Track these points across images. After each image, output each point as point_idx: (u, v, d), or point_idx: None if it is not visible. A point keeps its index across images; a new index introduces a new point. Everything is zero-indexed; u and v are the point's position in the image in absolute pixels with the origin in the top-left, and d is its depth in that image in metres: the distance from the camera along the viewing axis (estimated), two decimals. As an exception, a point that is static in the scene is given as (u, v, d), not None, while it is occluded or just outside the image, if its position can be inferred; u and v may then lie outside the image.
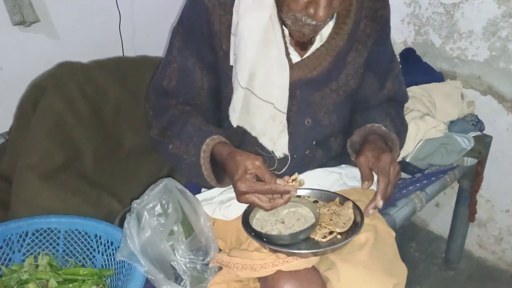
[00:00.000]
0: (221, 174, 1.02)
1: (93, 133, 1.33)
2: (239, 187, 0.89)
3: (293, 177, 0.92)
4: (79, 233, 1.06)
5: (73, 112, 1.30)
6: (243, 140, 1.11)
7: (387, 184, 0.94)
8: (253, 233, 0.93)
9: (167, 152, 1.07)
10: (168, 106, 1.09)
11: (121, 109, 1.40)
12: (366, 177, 0.97)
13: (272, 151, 1.09)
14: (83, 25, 1.55)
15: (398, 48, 1.80)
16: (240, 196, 0.90)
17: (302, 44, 1.05)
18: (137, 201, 0.91)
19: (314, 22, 0.93)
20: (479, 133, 1.52)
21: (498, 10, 1.52)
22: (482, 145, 1.48)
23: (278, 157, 1.10)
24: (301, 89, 1.06)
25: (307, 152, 1.11)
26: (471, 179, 1.61)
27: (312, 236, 0.93)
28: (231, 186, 1.09)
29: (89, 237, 1.05)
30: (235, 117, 1.06)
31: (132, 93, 1.41)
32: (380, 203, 0.93)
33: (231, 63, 1.04)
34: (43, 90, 1.26)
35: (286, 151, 1.09)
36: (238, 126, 1.08)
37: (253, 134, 1.08)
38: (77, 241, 1.06)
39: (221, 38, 1.03)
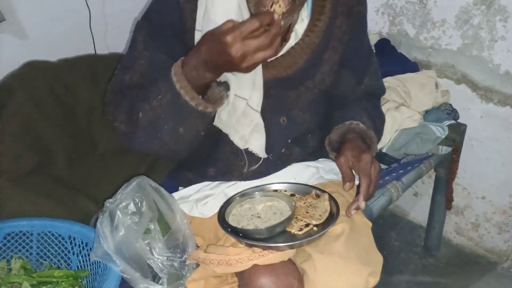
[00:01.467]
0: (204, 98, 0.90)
1: (66, 135, 1.31)
2: (236, 53, 0.78)
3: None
4: (53, 235, 1.04)
5: (43, 113, 1.26)
6: (219, 139, 1.09)
7: (369, 185, 0.94)
8: (229, 229, 0.93)
9: (140, 130, 0.93)
10: (129, 93, 0.98)
11: (94, 109, 1.38)
12: (347, 178, 0.97)
13: (248, 149, 1.07)
14: (52, 24, 1.51)
15: (373, 39, 1.81)
16: (243, 64, 0.80)
17: None
18: (110, 200, 0.90)
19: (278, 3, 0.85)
20: (453, 121, 1.54)
21: (470, -2, 1.54)
22: (457, 133, 1.50)
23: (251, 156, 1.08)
24: (276, 88, 1.04)
25: (283, 150, 1.10)
26: (447, 168, 1.64)
27: (288, 229, 0.93)
28: (206, 183, 1.08)
29: (63, 239, 1.03)
30: (225, 112, 1.00)
31: (105, 92, 1.39)
32: (362, 204, 0.93)
33: None
34: (10, 92, 1.23)
35: (263, 152, 1.06)
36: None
37: (225, 131, 1.04)
38: (51, 243, 1.04)
39: (193, 34, 0.99)
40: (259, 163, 1.08)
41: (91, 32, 1.61)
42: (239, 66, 0.80)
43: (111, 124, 1.01)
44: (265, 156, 1.07)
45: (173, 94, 0.87)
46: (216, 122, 1.03)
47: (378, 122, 1.16)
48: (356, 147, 0.99)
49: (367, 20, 1.14)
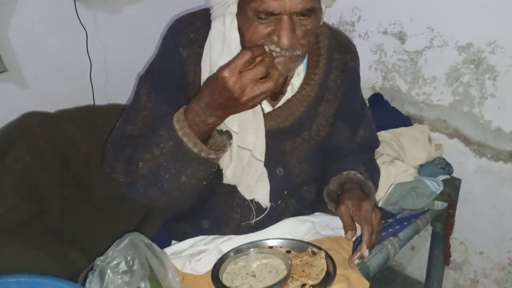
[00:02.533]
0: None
1: (62, 185, 1.30)
2: (233, 87, 0.80)
3: None
4: (41, 292, 1.00)
5: (41, 163, 1.27)
6: (213, 190, 1.09)
7: (372, 233, 0.93)
8: (223, 288, 0.90)
9: (140, 180, 0.94)
10: (127, 144, 1.00)
11: (91, 159, 1.38)
12: (348, 227, 0.96)
13: (249, 201, 1.08)
14: (53, 74, 1.54)
15: (366, 93, 1.85)
16: (243, 98, 0.81)
17: (273, 95, 1.06)
18: (101, 258, 0.87)
19: (279, 49, 0.89)
20: (447, 176, 1.54)
21: (459, 57, 1.59)
22: (452, 188, 1.50)
23: (254, 208, 1.08)
24: (273, 139, 1.06)
25: (279, 202, 1.10)
26: (444, 222, 1.63)
27: (284, 290, 0.91)
28: (200, 237, 1.06)
29: (50, 296, 1.00)
30: (231, 167, 1.02)
31: (103, 142, 1.39)
32: (366, 252, 0.93)
33: None
34: (10, 141, 1.23)
35: (267, 201, 1.07)
36: (222, 174, 1.05)
37: (232, 183, 1.06)
38: (38, 301, 1.00)
39: (195, 88, 1.01)
40: (258, 215, 1.07)
41: (91, 82, 1.64)
42: (240, 100, 0.82)
43: (109, 176, 1.01)
44: (268, 205, 1.08)
45: (175, 142, 0.88)
46: (225, 180, 1.05)
47: (374, 173, 1.18)
48: (356, 196, 1.00)
49: (360, 75, 1.18)
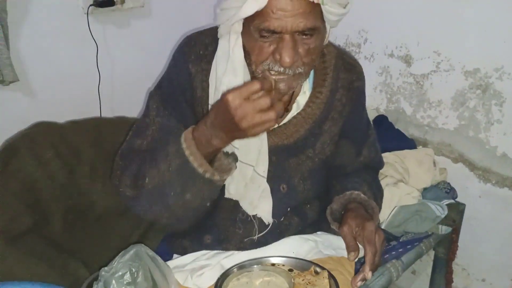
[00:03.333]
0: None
1: (65, 195, 1.30)
2: (235, 113, 0.81)
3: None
4: (40, 302, 0.99)
5: (45, 173, 1.27)
6: (216, 205, 1.09)
7: (375, 254, 0.93)
8: (225, 304, 0.90)
9: (145, 196, 0.96)
10: (135, 158, 1.02)
11: (95, 171, 1.38)
12: (351, 248, 0.97)
13: (252, 217, 1.08)
14: (62, 85, 1.56)
15: (371, 115, 1.86)
16: (242, 125, 0.82)
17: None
18: (106, 268, 0.87)
19: (282, 69, 0.92)
20: (452, 201, 1.54)
21: (466, 82, 1.60)
22: (456, 213, 1.50)
23: (256, 224, 1.08)
24: (277, 155, 1.07)
25: (282, 219, 1.10)
26: (447, 247, 1.61)
27: (286, 308, 0.90)
28: (202, 252, 1.06)
29: (51, 306, 0.99)
30: (233, 183, 1.04)
31: (108, 154, 1.39)
32: (369, 274, 0.92)
33: None
34: (15, 150, 1.24)
35: (270, 217, 1.08)
36: (224, 189, 1.06)
37: (235, 198, 1.07)
38: (38, 311, 0.99)
39: (202, 104, 1.04)
40: (261, 232, 1.07)
41: (99, 94, 1.65)
42: (240, 125, 0.83)
43: (116, 189, 1.03)
44: (271, 221, 1.08)
45: (181, 160, 0.89)
46: (227, 194, 1.06)
47: (377, 194, 1.18)
48: (359, 216, 1.00)
49: (365, 95, 1.19)
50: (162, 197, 0.93)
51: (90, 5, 1.53)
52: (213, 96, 1.01)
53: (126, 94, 1.76)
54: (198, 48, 1.04)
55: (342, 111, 1.12)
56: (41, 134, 1.31)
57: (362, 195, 1.08)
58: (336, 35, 1.92)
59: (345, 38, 1.90)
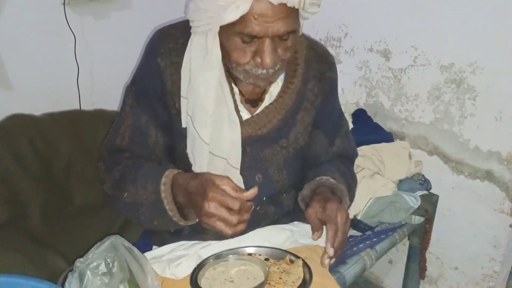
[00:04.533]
0: (183, 210, 1.00)
1: (42, 189, 1.30)
2: (206, 207, 0.87)
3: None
4: (17, 293, 0.99)
5: (21, 166, 1.26)
6: None
7: (335, 231, 0.94)
8: (201, 293, 0.91)
9: (122, 204, 1.04)
10: (121, 159, 1.08)
11: (72, 164, 1.38)
12: (315, 228, 0.99)
13: None
14: (39, 77, 1.55)
15: (350, 108, 1.89)
16: (204, 218, 0.88)
17: (252, 102, 1.09)
18: (81, 259, 0.88)
19: (265, 71, 0.96)
20: (425, 192, 1.58)
21: (441, 76, 1.64)
22: (429, 203, 1.54)
23: None
24: (252, 146, 1.09)
25: (258, 208, 1.12)
26: (421, 237, 1.66)
27: (261, 296, 0.92)
28: (180, 243, 1.08)
29: (28, 298, 0.99)
30: None
31: (86, 147, 1.40)
32: (330, 250, 0.94)
33: (184, 125, 1.06)
34: (-10, 143, 1.23)
35: None
36: None
37: None
38: (15, 302, 1.00)
39: (173, 97, 1.06)
40: None
41: (78, 87, 1.64)
42: (201, 216, 0.89)
43: (100, 181, 1.11)
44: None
45: (157, 198, 0.98)
46: None
47: (351, 181, 1.20)
48: (323, 198, 1.01)
49: (337, 85, 1.21)
50: (135, 213, 1.03)
51: (68, -4, 1.52)
52: (186, 90, 1.03)
53: (106, 87, 1.75)
54: (168, 41, 1.06)
55: (315, 101, 1.14)
56: (17, 126, 1.30)
57: (332, 180, 1.09)
58: (317, 29, 1.94)
59: (326, 32, 1.92)
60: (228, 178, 0.91)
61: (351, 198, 1.19)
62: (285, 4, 0.89)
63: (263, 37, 0.92)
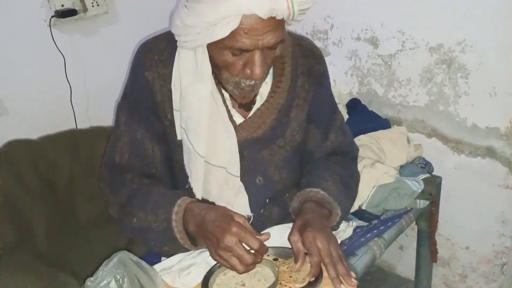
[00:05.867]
0: (193, 237, 1.01)
1: (46, 208, 1.31)
2: (226, 241, 0.87)
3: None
4: (31, 316, 1.00)
5: (24, 188, 1.27)
6: None
7: (318, 263, 0.93)
8: (213, 299, 0.92)
9: (130, 228, 1.05)
10: (124, 181, 1.08)
11: (74, 181, 1.39)
12: (296, 257, 0.96)
13: None
14: (33, 101, 1.55)
15: (344, 99, 1.89)
16: (221, 251, 0.89)
17: (245, 106, 1.09)
18: (91, 279, 0.88)
19: (253, 82, 0.98)
20: (428, 175, 1.58)
21: (431, 58, 1.63)
22: (433, 186, 1.54)
23: None
24: (249, 149, 1.09)
25: (262, 211, 1.12)
26: (428, 220, 1.66)
27: (273, 296, 0.92)
28: (191, 251, 1.08)
29: (42, 321, 1.00)
30: (199, 188, 1.08)
31: (85, 163, 1.41)
32: (336, 283, 0.90)
33: (179, 137, 1.07)
34: (-8, 170, 1.24)
35: (248, 211, 1.10)
36: (192, 192, 1.09)
37: (210, 199, 1.09)
38: (29, 325, 1.00)
39: (165, 108, 1.06)
40: None
41: (72, 106, 1.65)
42: (217, 250, 0.90)
43: (104, 198, 1.12)
44: (250, 214, 1.10)
45: (167, 226, 0.99)
46: (204, 196, 1.09)
47: (350, 183, 1.17)
48: (304, 223, 0.99)
49: (328, 78, 1.21)
50: (144, 237, 1.04)
51: (52, 17, 1.52)
52: (178, 103, 1.04)
53: (100, 103, 1.75)
54: (153, 54, 1.07)
55: (306, 97, 1.14)
56: (17, 151, 1.31)
57: (321, 192, 1.07)
58: (303, 24, 1.94)
59: (312, 25, 1.92)
60: (244, 217, 0.93)
61: (352, 200, 1.18)
62: (274, 17, 0.90)
63: (253, 50, 0.93)
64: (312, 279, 0.92)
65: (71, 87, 1.62)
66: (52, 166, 1.36)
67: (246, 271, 0.90)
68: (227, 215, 0.92)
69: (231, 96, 1.07)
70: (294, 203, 1.10)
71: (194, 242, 1.01)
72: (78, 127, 1.65)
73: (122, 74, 1.72)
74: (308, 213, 1.02)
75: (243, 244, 0.90)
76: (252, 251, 0.91)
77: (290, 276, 0.96)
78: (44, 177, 1.33)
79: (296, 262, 0.96)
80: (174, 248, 1.03)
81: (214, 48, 0.96)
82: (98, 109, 1.75)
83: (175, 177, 1.14)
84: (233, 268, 0.90)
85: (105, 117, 1.74)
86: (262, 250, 0.90)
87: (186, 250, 1.03)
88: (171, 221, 0.98)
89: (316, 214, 1.02)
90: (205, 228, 0.93)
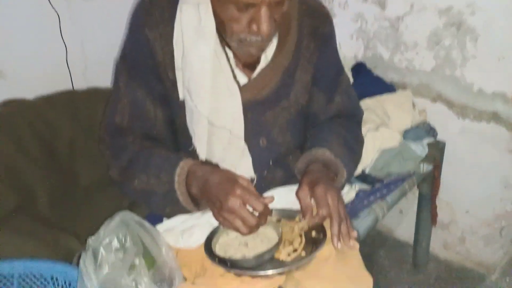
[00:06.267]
0: (196, 199, 0.99)
1: (47, 172, 1.29)
2: (230, 203, 0.86)
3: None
4: (34, 276, 1.00)
5: (24, 152, 1.25)
6: None
7: (324, 217, 0.93)
8: (217, 259, 0.92)
9: (132, 190, 1.04)
10: (125, 144, 1.05)
11: (75, 145, 1.37)
12: (304, 211, 0.96)
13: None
14: (27, 61, 1.51)
15: (349, 63, 1.85)
16: (224, 213, 0.88)
17: (249, 66, 1.06)
18: (93, 237, 0.87)
19: (260, 38, 0.94)
20: (432, 139, 1.57)
21: (439, 21, 1.59)
22: (436, 150, 1.53)
23: None
24: (252, 111, 1.06)
25: (265, 173, 1.11)
26: (430, 184, 1.66)
27: (276, 256, 0.92)
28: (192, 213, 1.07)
29: (45, 279, 1.00)
30: (203, 149, 1.05)
31: (85, 127, 1.38)
32: (335, 240, 0.91)
33: (181, 98, 1.03)
34: (-10, 131, 1.22)
35: (252, 173, 1.09)
36: (196, 154, 1.07)
37: (214, 161, 1.07)
38: (33, 285, 1.00)
39: (166, 68, 1.02)
40: None
41: (68, 67, 1.60)
42: (220, 212, 0.89)
43: (105, 163, 1.10)
44: (254, 176, 1.09)
45: (170, 188, 0.97)
46: (207, 157, 1.07)
47: (354, 146, 1.16)
48: (313, 180, 0.98)
49: (335, 39, 1.17)
50: (146, 200, 1.03)
51: (47, -27, 1.46)
52: (180, 63, 1.00)
53: (97, 64, 1.70)
54: (154, 11, 1.01)
55: (311, 58, 1.11)
56: (15, 112, 1.28)
57: (328, 152, 1.06)
58: (307, -16, 1.88)
59: (317, -14, 1.86)
60: (248, 179, 0.91)
61: (355, 162, 1.16)
62: None
63: (259, 5, 0.88)
64: (314, 233, 0.94)
65: (67, 48, 1.58)
66: (52, 128, 1.33)
67: (250, 233, 0.89)
68: (230, 178, 0.91)
69: (235, 55, 1.04)
70: (300, 163, 1.09)
71: (197, 204, 1.00)
72: (74, 89, 1.61)
73: (119, 33, 1.67)
74: (316, 172, 1.01)
75: (247, 206, 0.89)
76: (256, 214, 0.89)
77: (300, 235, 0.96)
78: (44, 140, 1.31)
79: (303, 217, 0.95)
80: (176, 210, 1.01)
81: (218, 3, 0.92)
82: (96, 70, 1.70)
83: (177, 140, 1.12)
84: (236, 230, 0.89)
85: (103, 78, 1.70)
86: (265, 212, 0.89)
87: (188, 212, 1.01)
88: (173, 183, 0.96)
89: (324, 174, 1.01)
90: (209, 191, 0.92)
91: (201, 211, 1.04)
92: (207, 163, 1.07)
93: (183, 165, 0.97)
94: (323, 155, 1.06)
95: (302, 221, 0.97)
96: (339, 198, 0.95)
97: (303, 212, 0.96)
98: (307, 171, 1.03)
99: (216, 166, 1.00)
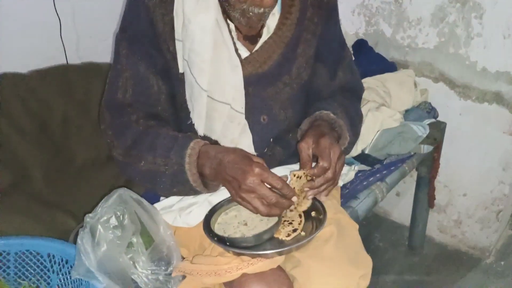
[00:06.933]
0: (204, 179, 0.95)
1: (41, 150, 1.27)
2: (249, 182, 0.83)
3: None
4: (31, 253, 0.99)
5: (17, 128, 1.23)
6: None
7: (326, 168, 0.91)
8: (216, 238, 0.90)
9: (137, 171, 0.97)
10: (129, 123, 0.99)
11: (68, 121, 1.34)
12: (303, 163, 0.94)
13: None
14: (21, 35, 1.46)
15: (350, 40, 1.81)
16: (243, 193, 0.85)
17: (251, 38, 1.02)
18: (90, 215, 0.86)
19: (262, 10, 0.90)
20: (433, 120, 1.55)
21: (445, -5, 1.55)
22: (437, 131, 1.51)
23: None
24: (254, 85, 1.03)
25: (265, 150, 1.09)
26: (429, 166, 1.65)
27: (276, 236, 0.91)
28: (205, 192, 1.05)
29: (41, 257, 0.99)
30: (201, 124, 1.02)
31: (80, 103, 1.35)
32: (316, 183, 0.91)
33: (181, 70, 1.00)
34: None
35: (252, 150, 1.06)
36: (194, 128, 1.04)
37: (213, 137, 1.04)
38: (29, 262, 0.99)
39: (166, 39, 0.98)
40: None
41: (62, 41, 1.56)
42: (239, 192, 0.85)
43: (106, 143, 1.03)
44: (254, 153, 1.06)
45: (179, 169, 0.92)
46: (207, 132, 1.04)
47: (355, 117, 1.14)
48: (318, 133, 0.96)
49: (338, 12, 1.13)
50: (152, 181, 0.96)
51: None
52: (181, 33, 0.97)
53: (91, 38, 1.66)
54: None
55: (315, 31, 1.07)
56: (6, 87, 1.24)
57: (331, 114, 1.03)
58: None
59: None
60: (262, 159, 0.88)
61: (355, 134, 1.14)
62: None
63: None
64: (310, 194, 0.93)
65: (61, 21, 1.53)
66: (45, 104, 1.30)
67: (269, 213, 0.86)
68: (246, 157, 0.87)
69: (236, 27, 1.00)
70: (304, 125, 1.06)
71: (206, 185, 0.96)
72: (68, 63, 1.57)
73: (113, 7, 1.62)
74: (322, 128, 0.99)
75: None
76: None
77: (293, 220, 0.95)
78: (38, 117, 1.28)
79: (302, 168, 0.93)
80: (184, 191, 0.97)
81: None
82: (89, 45, 1.66)
83: (177, 114, 1.09)
84: (256, 210, 0.86)
85: (97, 53, 1.65)
86: (285, 190, 0.86)
87: (196, 193, 0.97)
88: (183, 163, 0.91)
89: (329, 130, 0.99)
90: (224, 171, 0.87)
91: (209, 193, 1.00)
92: (207, 138, 1.04)
93: (194, 145, 0.93)
94: (328, 115, 1.03)
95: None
96: (340, 156, 0.94)
97: (302, 163, 0.94)
98: (313, 126, 1.01)
99: (233, 148, 0.95)
